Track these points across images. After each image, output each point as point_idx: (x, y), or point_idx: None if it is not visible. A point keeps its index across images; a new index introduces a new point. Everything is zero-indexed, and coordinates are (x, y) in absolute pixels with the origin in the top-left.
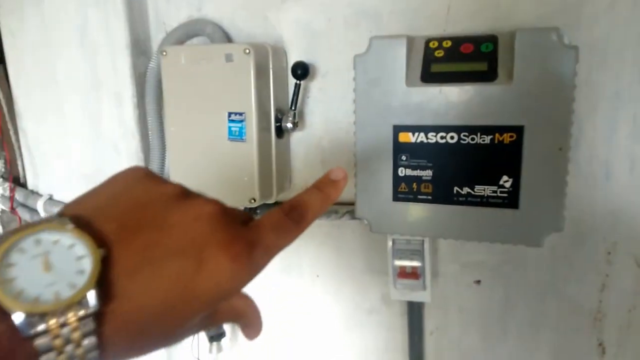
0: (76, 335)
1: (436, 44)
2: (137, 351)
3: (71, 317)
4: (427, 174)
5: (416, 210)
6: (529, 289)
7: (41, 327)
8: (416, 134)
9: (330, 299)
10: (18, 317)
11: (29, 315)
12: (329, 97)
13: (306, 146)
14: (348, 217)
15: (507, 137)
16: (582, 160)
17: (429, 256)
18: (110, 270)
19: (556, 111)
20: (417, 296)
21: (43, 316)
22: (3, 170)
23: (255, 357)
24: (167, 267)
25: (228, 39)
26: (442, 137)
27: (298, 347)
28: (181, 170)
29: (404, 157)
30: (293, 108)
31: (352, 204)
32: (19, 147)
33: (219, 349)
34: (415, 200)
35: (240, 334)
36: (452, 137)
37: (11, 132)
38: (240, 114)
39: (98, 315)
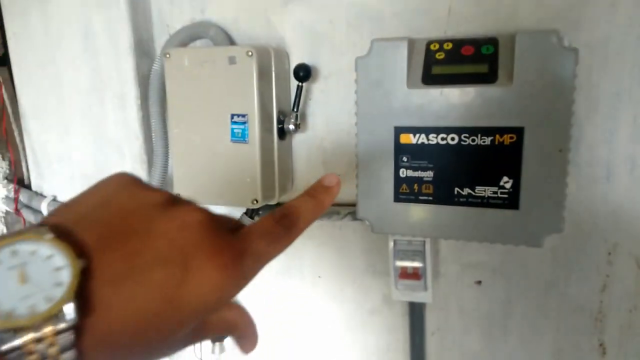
0: (53, 350)
1: (437, 46)
2: None
3: (47, 331)
4: (428, 175)
5: (417, 211)
6: (530, 289)
7: (15, 342)
8: (417, 135)
9: (332, 299)
10: None
11: (2, 330)
12: (330, 99)
13: (308, 147)
14: (349, 218)
15: (507, 139)
16: (582, 161)
17: (430, 257)
18: (91, 281)
19: (556, 113)
20: (418, 297)
21: (17, 331)
22: (7, 171)
23: (257, 358)
24: (150, 277)
25: (231, 41)
26: (442, 139)
27: (300, 347)
28: (184, 171)
29: (405, 158)
30: (295, 110)
31: (353, 204)
32: (24, 149)
33: (222, 350)
34: (417, 201)
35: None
36: (452, 139)
37: (16, 134)
38: (243, 115)
39: (77, 329)
